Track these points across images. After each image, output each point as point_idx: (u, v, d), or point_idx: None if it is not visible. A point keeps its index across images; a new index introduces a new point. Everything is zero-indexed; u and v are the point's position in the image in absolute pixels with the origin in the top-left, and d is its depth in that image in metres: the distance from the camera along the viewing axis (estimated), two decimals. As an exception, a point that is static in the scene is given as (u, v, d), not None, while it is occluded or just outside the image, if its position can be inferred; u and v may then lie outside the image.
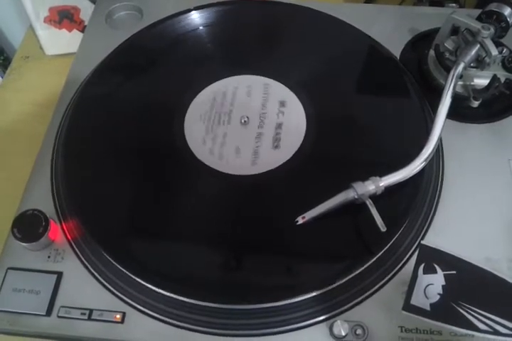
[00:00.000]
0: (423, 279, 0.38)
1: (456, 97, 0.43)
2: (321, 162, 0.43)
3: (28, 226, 0.38)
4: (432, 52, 0.48)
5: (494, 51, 0.43)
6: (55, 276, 0.38)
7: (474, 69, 0.45)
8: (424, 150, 0.40)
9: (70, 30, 0.60)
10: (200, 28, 0.51)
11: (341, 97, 0.47)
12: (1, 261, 0.39)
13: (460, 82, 0.45)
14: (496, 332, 0.36)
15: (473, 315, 0.37)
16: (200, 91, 0.47)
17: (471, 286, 0.38)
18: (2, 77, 0.82)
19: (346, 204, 0.38)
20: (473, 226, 0.40)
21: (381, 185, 0.38)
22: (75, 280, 0.38)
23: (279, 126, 0.45)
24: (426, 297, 0.37)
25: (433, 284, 0.38)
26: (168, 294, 0.36)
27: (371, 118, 0.45)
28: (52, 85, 0.55)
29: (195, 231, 0.40)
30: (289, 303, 0.36)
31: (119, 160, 0.43)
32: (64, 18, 0.59)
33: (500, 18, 0.45)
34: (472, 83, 0.45)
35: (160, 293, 0.37)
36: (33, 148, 0.46)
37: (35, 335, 0.38)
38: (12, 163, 0.53)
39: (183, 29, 0.51)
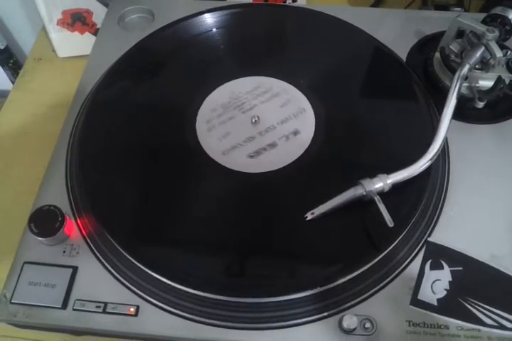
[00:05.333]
0: (430, 275, 0.39)
1: (461, 98, 0.44)
2: (330, 161, 0.44)
3: (45, 222, 0.39)
4: (437, 55, 0.49)
5: (499, 53, 0.44)
6: (70, 270, 0.39)
7: (479, 71, 0.46)
8: (430, 149, 0.41)
9: (82, 33, 0.62)
10: (212, 30, 0.52)
11: (349, 99, 0.48)
12: (18, 255, 0.40)
13: (465, 84, 0.46)
14: (502, 327, 0.37)
15: (479, 310, 0.37)
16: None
17: (477, 282, 0.39)
18: (12, 81, 0.84)
19: (355, 200, 0.39)
20: (478, 224, 0.41)
21: (388, 182, 0.39)
22: (90, 274, 0.39)
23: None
24: (433, 292, 0.38)
25: (440, 280, 0.39)
26: (181, 287, 0.37)
27: (379, 119, 0.46)
28: (65, 87, 0.56)
29: (206, 227, 0.40)
30: (300, 297, 0.37)
31: (133, 157, 0.44)
32: (76, 20, 0.60)
33: (504, 21, 0.46)
34: (477, 84, 0.46)
35: (173, 287, 0.37)
36: (46, 148, 0.47)
37: (51, 328, 0.39)
38: (26, 162, 0.54)
39: (194, 31, 0.52)
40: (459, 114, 0.44)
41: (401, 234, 0.39)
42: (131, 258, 0.38)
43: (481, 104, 0.45)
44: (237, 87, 0.48)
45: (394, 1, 0.67)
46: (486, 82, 0.46)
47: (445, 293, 0.38)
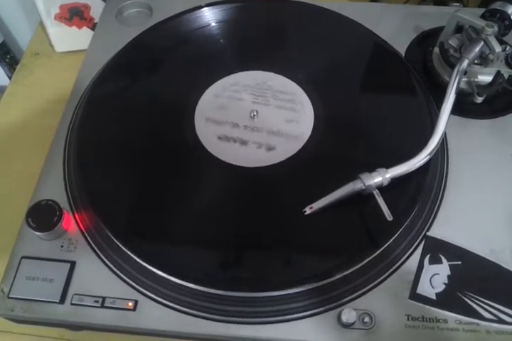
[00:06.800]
0: (429, 269, 0.39)
1: (460, 93, 0.44)
2: (329, 155, 0.44)
3: (43, 216, 0.39)
4: (436, 50, 0.49)
5: (498, 48, 0.44)
6: (68, 265, 0.39)
7: (478, 66, 0.46)
8: (429, 144, 0.41)
9: (80, 28, 0.61)
10: (211, 24, 0.52)
11: (348, 93, 0.48)
12: (16, 250, 0.40)
13: (464, 79, 0.46)
14: (501, 321, 0.37)
15: (478, 304, 0.37)
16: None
17: (475, 276, 0.39)
18: (9, 76, 0.84)
19: (354, 195, 0.39)
20: (477, 218, 0.41)
21: (387, 176, 0.39)
22: (88, 269, 0.39)
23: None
24: (432, 286, 0.38)
25: (439, 274, 0.39)
26: (179, 282, 0.37)
27: (377, 114, 0.46)
28: (62, 81, 0.56)
29: (205, 222, 0.40)
30: (299, 292, 0.37)
31: (130, 152, 0.44)
32: (74, 15, 0.60)
33: (503, 16, 0.46)
34: (476, 79, 0.46)
35: (172, 281, 0.37)
36: (44, 142, 0.47)
37: (49, 323, 0.39)
38: (23, 156, 0.54)
39: (192, 26, 0.51)
40: (457, 109, 0.44)
41: (400, 228, 0.39)
42: (129, 253, 0.38)
43: (479, 99, 0.45)
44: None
45: (393, -4, 0.67)
46: (485, 77, 0.46)
47: (444, 287, 0.38)
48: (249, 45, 0.51)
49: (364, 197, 0.39)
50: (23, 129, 0.57)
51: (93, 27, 0.61)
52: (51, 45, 0.63)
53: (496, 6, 0.47)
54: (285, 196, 0.42)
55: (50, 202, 0.40)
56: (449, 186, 0.43)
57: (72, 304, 0.38)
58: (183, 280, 0.37)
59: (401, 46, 0.51)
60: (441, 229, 0.40)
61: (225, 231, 0.40)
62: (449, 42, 0.48)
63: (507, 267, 0.39)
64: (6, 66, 0.82)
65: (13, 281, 0.38)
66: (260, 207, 0.41)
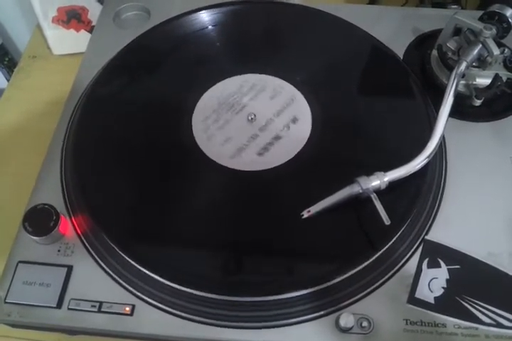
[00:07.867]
0: (427, 273, 0.39)
1: (458, 96, 0.44)
2: (326, 159, 0.44)
3: (39, 220, 0.39)
4: (434, 52, 0.49)
5: (496, 51, 0.43)
6: (65, 269, 0.39)
7: (476, 68, 0.46)
8: (427, 147, 0.41)
9: (77, 31, 0.61)
10: (208, 27, 0.51)
11: (346, 96, 0.48)
12: (12, 254, 0.40)
13: (462, 81, 0.46)
14: (500, 325, 0.37)
15: (476, 308, 0.37)
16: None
17: (474, 280, 0.38)
18: (7, 78, 0.84)
19: (351, 198, 0.39)
20: (475, 222, 0.41)
21: (385, 179, 0.39)
22: (85, 274, 0.39)
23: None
24: (430, 290, 0.38)
25: (437, 278, 0.38)
26: (177, 286, 0.37)
27: (376, 117, 0.46)
28: (60, 84, 0.55)
29: (202, 226, 0.40)
30: (296, 296, 0.37)
31: (128, 155, 0.44)
32: (72, 18, 0.60)
33: (502, 19, 0.46)
34: (474, 82, 0.46)
35: (169, 286, 0.37)
36: (41, 145, 0.47)
37: (46, 328, 0.39)
38: (20, 159, 0.54)
39: (189, 29, 0.51)
40: (456, 112, 0.44)
41: (398, 232, 0.39)
42: (126, 257, 0.38)
43: (478, 102, 0.45)
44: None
45: (391, -2, 0.67)
46: (483, 80, 0.46)
47: (442, 291, 0.38)
48: (247, 48, 0.51)
49: (362, 201, 0.39)
50: (21, 132, 0.57)
51: (91, 30, 0.61)
52: (49, 48, 0.63)
53: (494, 8, 0.47)
54: (282, 200, 0.41)
55: (46, 206, 0.40)
56: (448, 189, 0.42)
57: (69, 309, 0.37)
58: (180, 284, 0.37)
59: (399, 49, 0.51)
60: (439, 233, 0.40)
61: (223, 235, 0.40)
62: (447, 44, 0.48)
63: (505, 270, 0.39)
64: (4, 69, 0.82)
65: (9, 286, 0.38)
66: (258, 211, 0.41)
